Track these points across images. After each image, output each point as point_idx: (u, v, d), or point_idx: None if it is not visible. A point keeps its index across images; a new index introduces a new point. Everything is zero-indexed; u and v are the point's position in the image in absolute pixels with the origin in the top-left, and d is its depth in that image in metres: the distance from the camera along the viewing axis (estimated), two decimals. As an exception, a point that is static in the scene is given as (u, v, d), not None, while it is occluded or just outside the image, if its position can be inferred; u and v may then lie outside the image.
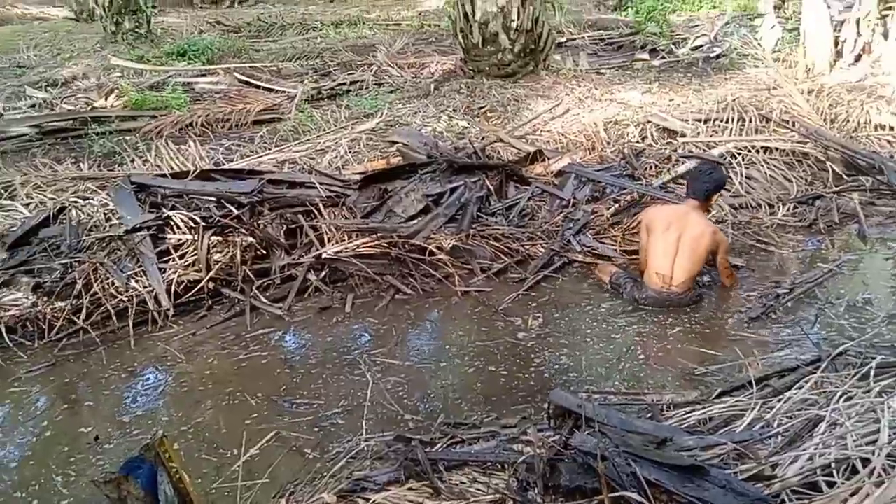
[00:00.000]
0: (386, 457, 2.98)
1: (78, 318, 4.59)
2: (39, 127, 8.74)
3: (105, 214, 5.34)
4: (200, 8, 18.88)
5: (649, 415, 3.22)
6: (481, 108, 7.88)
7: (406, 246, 5.14)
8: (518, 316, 4.58)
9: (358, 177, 5.86)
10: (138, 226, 5.02)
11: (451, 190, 5.71)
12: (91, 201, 5.48)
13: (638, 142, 6.82)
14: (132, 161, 6.53)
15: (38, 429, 3.76)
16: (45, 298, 4.65)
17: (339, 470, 2.93)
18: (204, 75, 11.28)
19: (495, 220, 5.53)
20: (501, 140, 6.93)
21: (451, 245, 5.16)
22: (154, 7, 14.95)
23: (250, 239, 5.04)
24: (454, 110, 7.79)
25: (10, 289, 4.90)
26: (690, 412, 3.19)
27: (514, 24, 8.56)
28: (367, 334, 4.52)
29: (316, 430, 3.60)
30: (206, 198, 5.40)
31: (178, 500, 2.45)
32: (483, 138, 6.96)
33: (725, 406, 3.17)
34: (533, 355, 4.15)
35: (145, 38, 13.68)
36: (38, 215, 5.42)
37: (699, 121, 7.02)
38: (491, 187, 5.83)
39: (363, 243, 5.17)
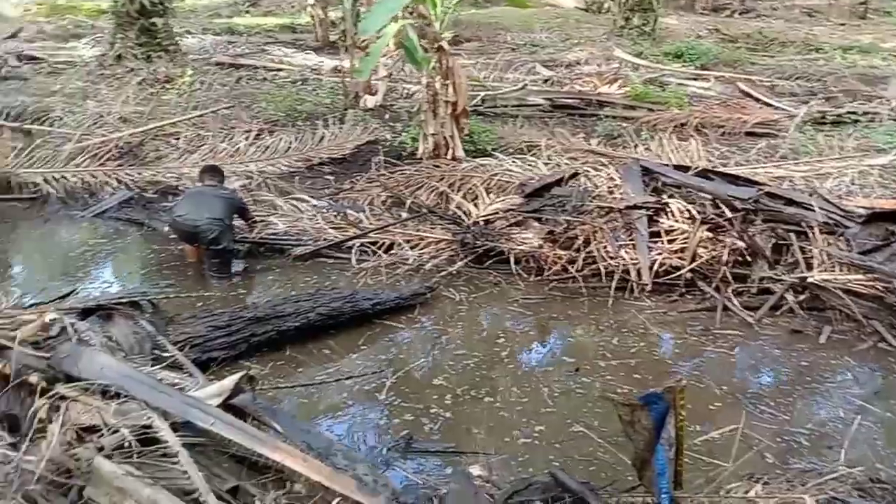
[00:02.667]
0: (869, 492, 2.89)
1: (572, 267, 5.29)
2: (551, 100, 10.04)
3: (609, 188, 5.98)
4: (701, 14, 19.17)
5: None
6: None
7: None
8: None
9: (863, 210, 5.50)
10: (639, 204, 5.53)
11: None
12: (599, 173, 6.17)
13: None
14: (634, 146, 7.13)
15: (523, 348, 4.51)
16: (550, 244, 5.46)
17: (816, 485, 2.94)
18: (695, 79, 11.58)
19: None
20: None
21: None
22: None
23: (739, 243, 5.16)
24: None
25: (522, 228, 5.88)
26: None
27: None
28: (848, 373, 4.31)
29: (778, 440, 3.63)
30: (702, 194, 5.66)
31: (675, 446, 2.77)
32: None
33: None
34: None
35: (648, 36, 14.49)
36: (553, 175, 6.32)
37: None
38: None
39: (856, 279, 4.89)
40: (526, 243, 5.60)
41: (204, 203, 5.28)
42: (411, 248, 5.76)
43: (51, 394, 3.14)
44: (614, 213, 5.67)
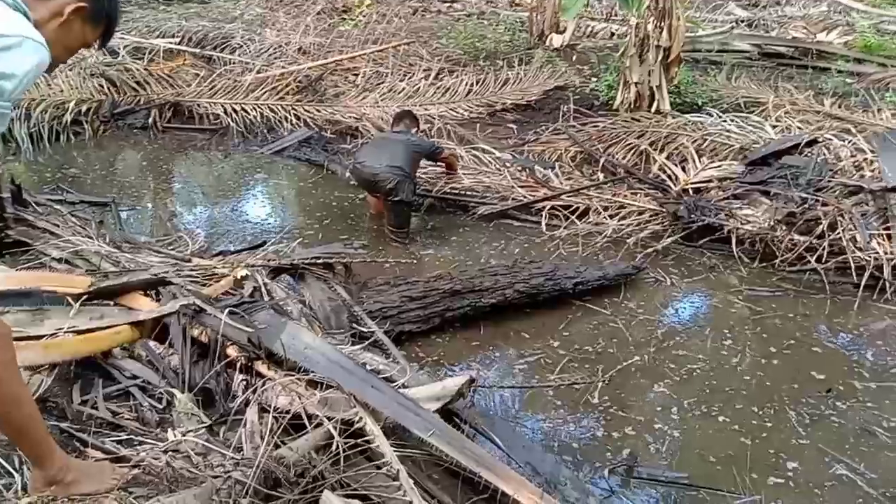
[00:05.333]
0: None
1: (810, 256, 4.46)
2: (760, 47, 8.81)
3: (855, 162, 5.00)
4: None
5: None
6: None
7: None
8: None
9: None
10: (901, 186, 4.56)
11: None
12: (843, 143, 5.18)
13: None
14: (878, 110, 5.98)
15: (756, 355, 3.80)
16: (784, 227, 4.62)
17: None
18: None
19: None
20: None
21: None
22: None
23: None
24: None
25: (744, 203, 5.05)
26: None
27: None
28: None
29: None
30: None
31: None
32: None
33: None
34: None
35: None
36: (784, 140, 5.39)
37: None
38: None
39: None
40: (752, 222, 4.80)
41: (386, 150, 4.88)
42: (609, 216, 5.11)
43: (249, 371, 2.88)
44: (864, 195, 4.73)
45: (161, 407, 2.74)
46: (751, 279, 4.53)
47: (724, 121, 5.97)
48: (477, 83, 7.28)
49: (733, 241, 4.72)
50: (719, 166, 5.45)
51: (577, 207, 5.21)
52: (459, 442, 2.44)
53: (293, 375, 2.68)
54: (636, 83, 6.17)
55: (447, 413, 2.70)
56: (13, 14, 1.59)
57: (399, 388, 2.75)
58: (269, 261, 3.78)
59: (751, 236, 4.71)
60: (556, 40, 8.10)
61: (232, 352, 2.89)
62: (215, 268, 3.69)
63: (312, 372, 2.71)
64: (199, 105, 7.02)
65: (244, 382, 2.85)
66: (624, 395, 3.42)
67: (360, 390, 2.60)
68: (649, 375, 3.57)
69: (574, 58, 8.10)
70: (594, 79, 7.32)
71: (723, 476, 2.96)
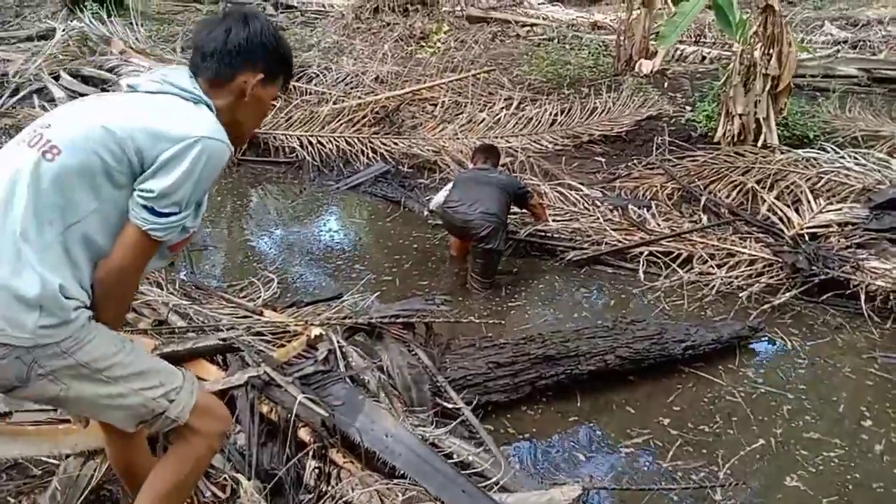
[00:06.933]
0: None
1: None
2: (869, 72, 8.11)
3: None
4: None
5: None
6: None
7: None
8: None
9: None
10: None
11: None
12: None
13: None
14: None
15: None
16: (927, 282, 4.03)
17: None
18: None
19: None
20: None
21: None
22: None
23: None
24: None
25: (871, 253, 4.46)
26: None
27: None
28: None
29: None
30: None
31: None
32: None
33: None
34: None
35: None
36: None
37: None
38: None
39: None
40: (883, 276, 4.21)
41: (479, 193, 4.48)
42: (716, 265, 4.60)
43: (323, 458, 2.54)
44: None
45: (224, 497, 2.44)
46: (884, 343, 3.95)
47: (842, 157, 5.37)
48: (561, 113, 6.87)
49: (862, 297, 4.14)
50: (839, 209, 4.87)
51: (679, 254, 4.72)
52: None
53: (373, 475, 2.33)
54: (741, 115, 5.63)
55: (551, 523, 2.29)
56: (194, 110, 1.61)
57: (494, 489, 2.36)
58: (344, 318, 3.47)
59: (883, 293, 4.13)
60: (646, 66, 7.60)
61: (304, 434, 2.56)
62: (287, 324, 3.39)
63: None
64: (274, 137, 6.86)
65: (317, 471, 2.52)
66: (751, 491, 2.92)
67: (449, 495, 2.22)
68: (778, 465, 3.06)
69: (665, 84, 7.60)
70: (689, 108, 6.80)
71: None
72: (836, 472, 3.02)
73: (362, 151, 6.51)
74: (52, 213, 1.49)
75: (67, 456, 2.16)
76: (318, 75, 7.97)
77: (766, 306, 4.21)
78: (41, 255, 1.47)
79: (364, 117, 6.90)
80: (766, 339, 3.99)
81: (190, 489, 1.87)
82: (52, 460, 2.16)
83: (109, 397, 1.60)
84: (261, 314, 3.50)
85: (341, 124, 6.88)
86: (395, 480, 2.36)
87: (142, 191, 1.51)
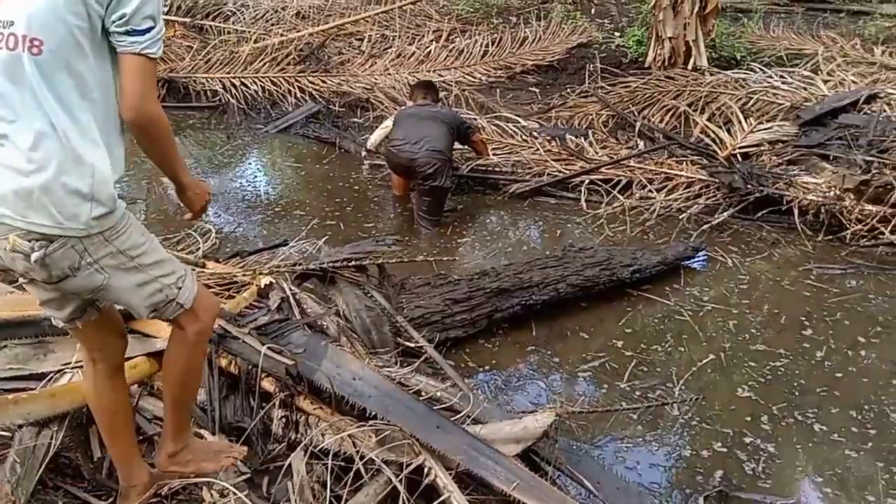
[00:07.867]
0: None
1: (884, 227, 4.05)
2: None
3: (921, 115, 4.56)
4: None
5: None
6: None
7: None
8: None
9: None
10: None
11: None
12: (904, 96, 4.73)
13: None
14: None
15: (841, 346, 3.42)
16: (852, 196, 4.20)
17: None
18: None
19: None
20: None
21: None
22: None
23: None
24: None
25: (802, 169, 4.62)
26: None
27: None
28: None
29: None
30: None
31: None
32: None
33: None
34: None
35: None
36: (839, 97, 4.94)
37: None
38: None
39: None
40: (814, 191, 4.37)
41: (423, 131, 4.37)
42: (656, 189, 4.68)
43: (289, 406, 2.48)
44: (938, 156, 4.30)
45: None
46: (818, 255, 4.14)
47: (769, 76, 5.49)
48: (492, 43, 6.75)
49: (795, 212, 4.31)
50: (769, 128, 5.00)
51: (619, 180, 4.78)
52: (549, 496, 2.07)
53: (344, 419, 2.29)
54: (670, 38, 5.66)
55: (525, 452, 2.32)
56: None
57: (467, 422, 2.37)
58: (294, 265, 3.37)
59: (815, 207, 4.30)
60: (572, -9, 7.54)
61: (268, 385, 2.49)
62: (234, 275, 3.27)
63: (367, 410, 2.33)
64: (194, 81, 6.50)
65: (284, 420, 2.47)
66: (706, 404, 3.03)
67: (424, 432, 2.21)
68: (729, 377, 3.19)
69: (593, 11, 7.55)
70: (618, 34, 6.80)
71: (833, 500, 2.60)
72: (783, 380, 3.17)
73: (290, 91, 6.25)
74: (72, 94, 1.54)
75: (20, 426, 2.03)
76: (234, 13, 7.56)
77: (705, 226, 4.33)
78: (83, 144, 1.54)
79: (288, 55, 6.61)
80: (708, 257, 4.11)
81: (200, 368, 2.03)
82: (4, 433, 2.03)
83: (139, 285, 1.71)
84: (203, 266, 3.36)
85: (265, 64, 6.57)
86: (370, 422, 2.33)
87: (116, 20, 1.53)
